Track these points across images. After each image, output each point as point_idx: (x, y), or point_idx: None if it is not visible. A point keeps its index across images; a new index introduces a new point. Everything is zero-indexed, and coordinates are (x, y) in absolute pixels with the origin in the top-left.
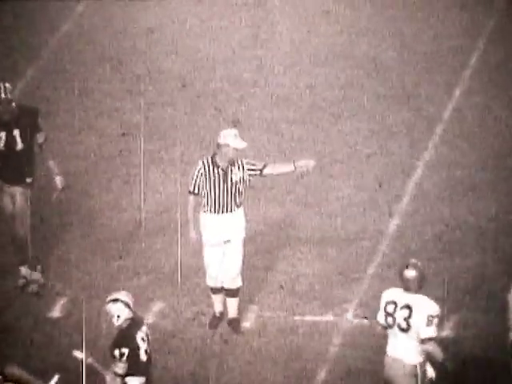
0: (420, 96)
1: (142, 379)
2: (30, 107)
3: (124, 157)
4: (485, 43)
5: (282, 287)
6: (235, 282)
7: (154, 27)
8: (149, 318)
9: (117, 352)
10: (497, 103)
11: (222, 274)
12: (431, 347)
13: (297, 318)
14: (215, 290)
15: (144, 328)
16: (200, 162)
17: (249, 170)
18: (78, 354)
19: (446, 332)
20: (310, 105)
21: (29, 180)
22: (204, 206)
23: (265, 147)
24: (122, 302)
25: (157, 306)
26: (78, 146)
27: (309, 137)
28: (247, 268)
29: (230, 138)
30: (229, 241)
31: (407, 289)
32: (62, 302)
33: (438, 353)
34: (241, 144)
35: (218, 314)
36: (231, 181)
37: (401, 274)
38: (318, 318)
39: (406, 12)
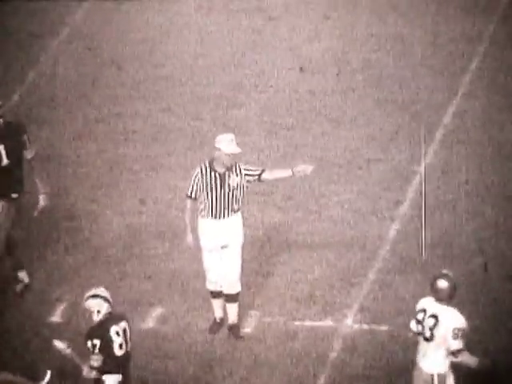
0: (420, 101)
1: (119, 377)
2: (16, 123)
3: (124, 162)
4: (485, 48)
5: (281, 293)
6: (234, 288)
7: (153, 33)
8: (149, 323)
9: (89, 343)
10: (497, 108)
11: (220, 279)
12: (462, 358)
13: (297, 323)
14: (215, 295)
15: (122, 323)
16: (198, 167)
17: (246, 175)
18: (59, 344)
19: None
20: (309, 110)
21: (14, 195)
22: (201, 210)
23: (264, 152)
24: (101, 297)
25: (157, 311)
26: (78, 152)
27: (309, 142)
28: (247, 273)
29: (224, 143)
30: (226, 246)
31: (438, 299)
32: (62, 307)
33: (471, 361)
34: (234, 149)
35: (218, 320)
36: (228, 186)
37: (432, 285)
38: (318, 324)
39: (406, 17)
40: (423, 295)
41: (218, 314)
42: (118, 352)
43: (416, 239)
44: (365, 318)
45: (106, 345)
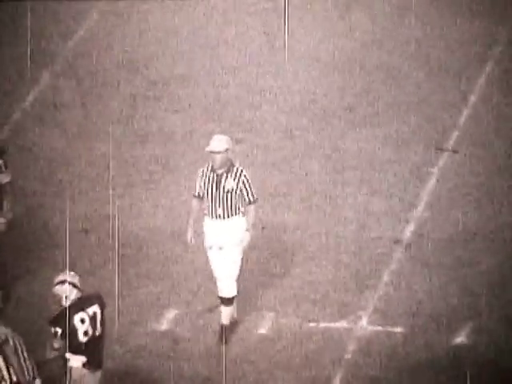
0: (435, 103)
1: (82, 358)
2: None
3: (139, 163)
4: (500, 51)
5: (296, 294)
6: (228, 291)
7: (168, 33)
8: (163, 325)
9: (52, 330)
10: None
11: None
12: None
13: (312, 324)
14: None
15: (91, 308)
16: (203, 167)
17: (243, 186)
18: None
19: (461, 339)
20: (324, 111)
21: None
22: (204, 209)
23: (279, 153)
24: (69, 283)
25: (171, 313)
26: (92, 153)
27: (323, 143)
28: (262, 274)
29: (211, 142)
30: (221, 248)
31: None
32: None
33: None
34: (211, 147)
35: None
36: (223, 188)
37: None
38: (332, 325)
39: (422, 19)
40: (438, 297)
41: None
42: (83, 338)
43: (431, 241)
44: (379, 320)
45: (69, 333)
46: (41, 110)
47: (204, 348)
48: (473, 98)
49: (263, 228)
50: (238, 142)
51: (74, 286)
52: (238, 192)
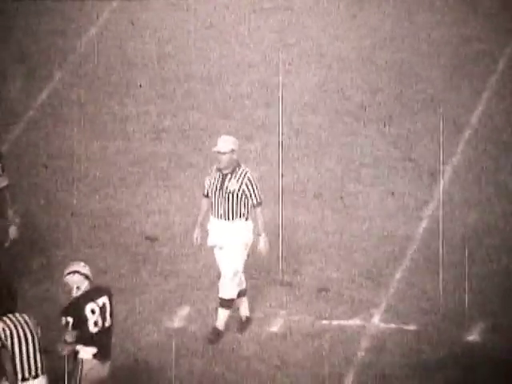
0: (448, 100)
1: (93, 349)
2: None
3: (152, 160)
4: None
5: (309, 291)
6: (224, 292)
7: (181, 31)
8: (176, 323)
9: (63, 320)
10: None
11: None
12: None
13: (324, 322)
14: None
15: (101, 299)
16: (214, 165)
17: (247, 187)
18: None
19: (474, 337)
20: (337, 109)
21: None
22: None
23: (292, 151)
24: (81, 274)
25: (184, 310)
26: (106, 151)
27: (336, 141)
28: (275, 272)
29: (217, 142)
30: (221, 248)
31: None
32: None
33: None
34: (217, 148)
35: (244, 319)
36: (226, 189)
37: None
38: (345, 323)
39: (434, 17)
40: (451, 294)
41: (243, 312)
42: (93, 329)
43: (444, 238)
44: (392, 318)
45: (80, 323)
46: (54, 106)
47: (216, 345)
48: (485, 96)
49: (279, 226)
50: (250, 139)
51: (86, 276)
52: (240, 193)
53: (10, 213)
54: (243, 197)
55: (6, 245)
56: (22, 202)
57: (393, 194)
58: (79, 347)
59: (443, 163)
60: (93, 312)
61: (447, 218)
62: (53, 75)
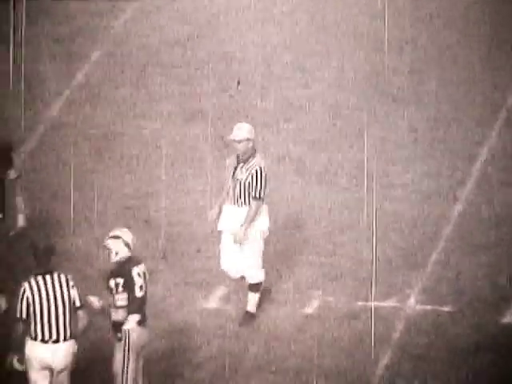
0: (485, 81)
1: (138, 316)
2: (2, 143)
3: (189, 141)
4: None
5: (344, 273)
6: (252, 277)
7: (217, 12)
8: (212, 303)
9: (112, 282)
10: None
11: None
12: None
13: (360, 303)
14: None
15: (141, 266)
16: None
17: (251, 178)
18: (93, 299)
19: (509, 318)
20: (373, 90)
21: None
22: None
23: (328, 132)
24: (122, 240)
25: (220, 291)
26: (141, 131)
27: (372, 122)
28: (310, 253)
29: (233, 130)
30: (221, 231)
31: None
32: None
33: None
34: (233, 135)
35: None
36: (235, 176)
37: None
38: (380, 304)
39: None
40: (486, 276)
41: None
42: (139, 293)
43: (479, 219)
44: (427, 299)
45: (129, 284)
46: (91, 87)
47: (251, 326)
48: None
49: (315, 206)
50: (287, 120)
51: (126, 244)
52: (246, 184)
53: (19, 201)
54: (249, 187)
55: (11, 234)
56: (57, 184)
57: (429, 174)
58: (127, 316)
59: (480, 145)
60: (139, 275)
61: (483, 199)
62: (89, 56)
